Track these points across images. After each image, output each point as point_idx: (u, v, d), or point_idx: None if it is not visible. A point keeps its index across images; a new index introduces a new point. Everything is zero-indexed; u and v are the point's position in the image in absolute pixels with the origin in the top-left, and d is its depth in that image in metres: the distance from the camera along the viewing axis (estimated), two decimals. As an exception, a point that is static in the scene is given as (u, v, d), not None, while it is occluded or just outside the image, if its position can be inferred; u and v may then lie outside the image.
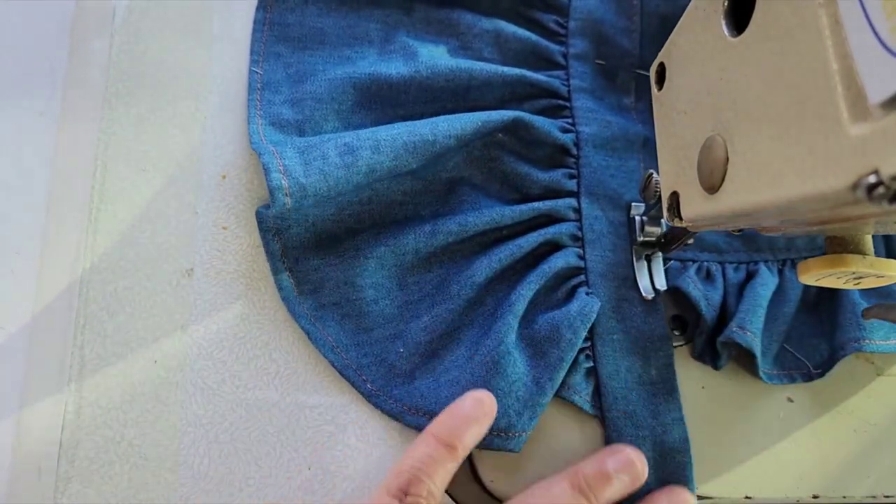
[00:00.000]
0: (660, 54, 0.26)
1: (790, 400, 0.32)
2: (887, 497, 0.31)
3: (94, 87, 0.32)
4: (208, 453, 0.28)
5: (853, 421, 0.32)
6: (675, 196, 0.25)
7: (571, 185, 0.33)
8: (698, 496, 0.30)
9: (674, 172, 0.25)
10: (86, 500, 0.27)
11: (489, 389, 0.28)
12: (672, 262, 0.32)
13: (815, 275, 0.24)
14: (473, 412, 0.26)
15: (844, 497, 0.31)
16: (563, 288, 0.31)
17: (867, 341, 0.30)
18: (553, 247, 0.32)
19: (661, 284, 0.32)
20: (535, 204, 0.32)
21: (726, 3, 0.21)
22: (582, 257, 0.32)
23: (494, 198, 0.33)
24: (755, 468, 0.31)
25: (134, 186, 0.31)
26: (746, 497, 0.30)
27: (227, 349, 0.29)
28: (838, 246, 0.23)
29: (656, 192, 0.29)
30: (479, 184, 0.33)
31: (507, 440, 0.28)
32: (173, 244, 0.30)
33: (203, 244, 0.31)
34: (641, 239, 0.32)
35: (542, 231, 0.31)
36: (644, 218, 0.32)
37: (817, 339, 0.32)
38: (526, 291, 0.30)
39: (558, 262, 0.31)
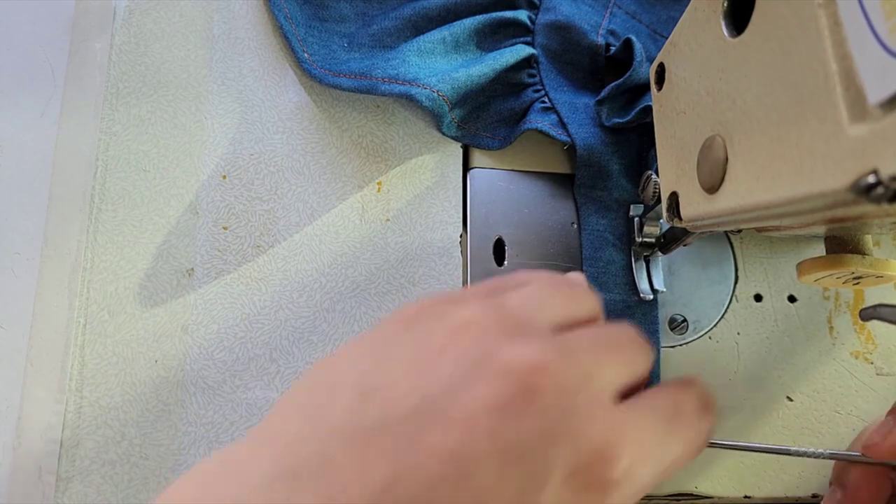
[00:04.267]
0: (659, 54, 0.26)
1: (789, 399, 0.32)
2: None
3: (94, 87, 0.32)
4: (208, 453, 0.28)
5: (852, 420, 0.32)
6: (674, 196, 0.25)
7: None
8: (698, 496, 0.30)
9: (673, 173, 0.25)
10: (86, 500, 0.27)
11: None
12: None
13: (815, 275, 0.24)
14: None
15: (843, 497, 0.31)
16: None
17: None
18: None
19: (660, 285, 0.32)
20: None
21: (726, 4, 0.21)
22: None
23: None
24: (754, 467, 0.31)
25: (134, 186, 0.31)
26: (746, 497, 0.30)
27: (227, 349, 0.29)
28: (837, 246, 0.23)
29: (655, 192, 0.29)
30: None
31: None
32: (173, 244, 0.30)
33: (203, 244, 0.31)
34: (640, 240, 0.32)
35: None
36: (643, 219, 0.32)
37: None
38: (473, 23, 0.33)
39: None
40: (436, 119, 0.33)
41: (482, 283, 0.22)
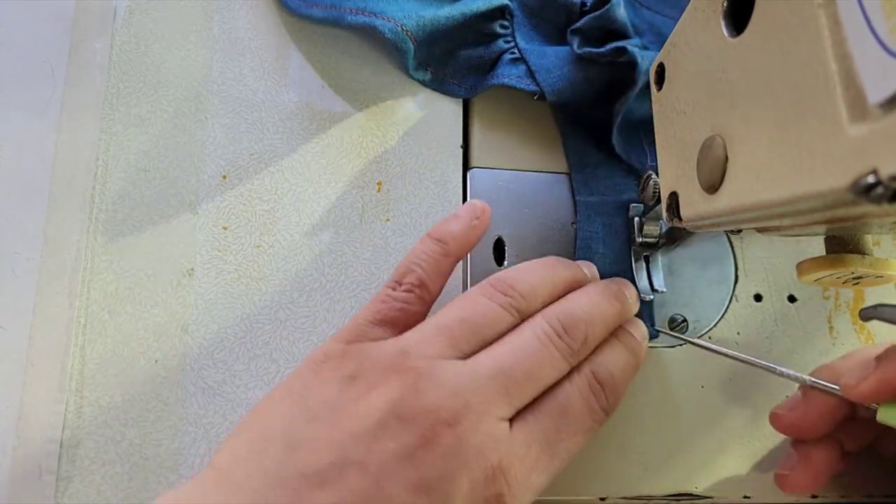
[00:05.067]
0: (659, 54, 0.26)
1: (789, 400, 0.32)
2: (886, 497, 0.31)
3: (94, 87, 0.32)
4: (208, 453, 0.28)
5: (852, 421, 0.32)
6: (674, 196, 0.25)
7: None
8: (698, 496, 0.30)
9: (673, 172, 0.25)
10: (86, 500, 0.27)
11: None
12: None
13: (815, 275, 0.24)
14: (464, 212, 0.28)
15: (843, 497, 0.31)
16: None
17: None
18: None
19: (660, 285, 0.32)
20: None
21: (725, 4, 0.21)
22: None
23: None
24: (754, 468, 0.31)
25: (134, 186, 0.31)
26: (745, 497, 0.30)
27: (227, 349, 0.29)
28: (837, 245, 0.23)
29: (655, 192, 0.29)
30: None
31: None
32: (174, 244, 0.30)
33: (203, 244, 0.31)
34: (640, 240, 0.32)
35: None
36: (643, 219, 0.32)
37: None
38: None
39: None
40: (400, 56, 0.33)
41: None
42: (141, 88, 0.32)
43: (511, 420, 0.24)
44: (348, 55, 0.35)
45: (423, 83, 0.34)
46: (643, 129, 0.34)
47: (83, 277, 0.29)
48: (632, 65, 0.30)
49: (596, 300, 0.27)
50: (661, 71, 0.26)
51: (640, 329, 0.28)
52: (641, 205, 0.32)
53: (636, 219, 0.32)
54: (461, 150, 0.34)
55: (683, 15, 0.24)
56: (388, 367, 0.24)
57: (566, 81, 0.33)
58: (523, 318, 0.26)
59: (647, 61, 0.31)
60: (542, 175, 0.34)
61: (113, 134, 0.31)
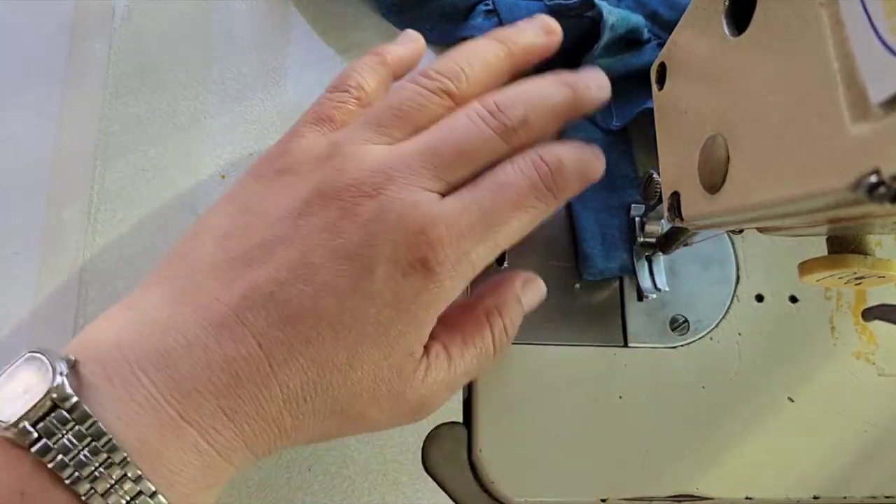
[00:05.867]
0: (660, 54, 0.26)
1: (791, 400, 0.32)
2: (888, 497, 0.31)
3: (93, 87, 0.32)
4: (208, 454, 0.28)
5: (854, 421, 0.32)
6: (675, 196, 0.24)
7: None
8: (699, 497, 0.30)
9: (674, 172, 0.25)
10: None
11: None
12: None
13: (817, 275, 0.24)
14: (401, 37, 0.29)
15: (845, 497, 0.31)
16: None
17: None
18: None
19: (663, 285, 0.32)
20: None
21: (727, 3, 0.21)
22: None
23: None
24: (755, 468, 0.31)
25: (134, 186, 0.31)
26: (747, 497, 0.30)
27: (227, 349, 0.29)
28: (839, 246, 0.23)
29: (656, 192, 0.29)
30: None
31: None
32: (172, 244, 0.30)
33: (203, 244, 0.30)
34: (642, 239, 0.32)
35: None
36: (644, 218, 0.32)
37: None
38: None
39: None
40: None
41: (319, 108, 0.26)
42: (140, 88, 0.32)
43: (444, 196, 0.23)
44: (348, 55, 0.34)
45: (394, 24, 0.34)
46: (611, 88, 0.34)
47: (81, 277, 0.29)
48: (598, 18, 0.31)
49: (541, 85, 0.25)
50: (661, 70, 0.26)
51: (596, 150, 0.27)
52: (643, 204, 0.32)
53: (637, 218, 0.32)
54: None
55: (685, 14, 0.24)
56: (318, 157, 0.24)
57: None
58: (458, 103, 0.25)
59: (613, 16, 0.31)
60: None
61: (112, 133, 0.31)
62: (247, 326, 0.21)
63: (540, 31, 0.28)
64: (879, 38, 0.14)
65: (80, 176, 0.31)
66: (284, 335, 0.21)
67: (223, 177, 0.32)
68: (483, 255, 0.23)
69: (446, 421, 0.30)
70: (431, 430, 0.30)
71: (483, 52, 0.26)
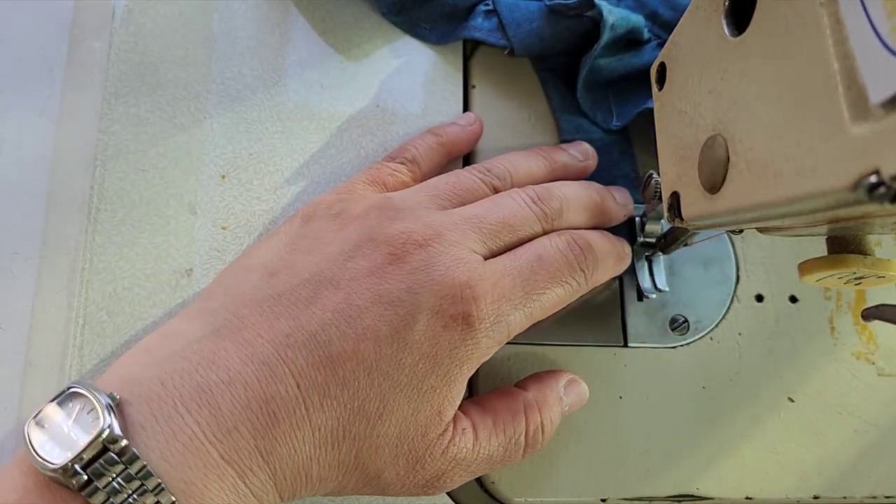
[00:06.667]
0: (660, 54, 0.26)
1: (791, 400, 0.32)
2: (888, 497, 0.31)
3: (93, 87, 0.32)
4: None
5: (854, 421, 0.32)
6: (675, 196, 0.24)
7: None
8: (700, 497, 0.30)
9: (674, 172, 0.25)
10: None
11: None
12: None
13: (817, 275, 0.24)
14: (459, 119, 0.32)
15: (845, 497, 0.31)
16: None
17: None
18: None
19: (663, 285, 0.32)
20: None
21: (727, 3, 0.21)
22: None
23: None
24: (755, 468, 0.31)
25: (133, 186, 0.31)
26: (747, 497, 0.30)
27: (227, 349, 0.29)
28: (839, 246, 0.23)
29: (656, 192, 0.29)
30: None
31: None
32: (173, 244, 0.30)
33: (203, 244, 0.30)
34: (642, 239, 0.32)
35: None
36: (644, 218, 0.32)
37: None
38: None
39: None
40: None
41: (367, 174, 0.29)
42: (140, 88, 0.32)
43: (486, 259, 0.25)
44: (348, 55, 0.34)
45: (395, 24, 0.35)
46: (611, 88, 0.34)
47: (82, 277, 0.29)
48: (598, 18, 0.31)
49: (575, 186, 0.28)
50: (661, 70, 0.26)
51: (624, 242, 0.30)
52: (642, 204, 0.32)
53: (637, 218, 0.32)
54: (461, 150, 0.34)
55: (685, 14, 0.24)
56: (371, 206, 0.25)
57: (535, 36, 0.33)
58: None
59: (613, 16, 0.31)
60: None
61: (112, 133, 0.31)
62: (287, 365, 0.21)
63: (578, 156, 0.31)
64: (879, 38, 0.14)
65: (80, 176, 0.31)
66: (323, 377, 0.21)
67: (223, 177, 0.32)
68: (518, 322, 0.24)
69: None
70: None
71: (529, 163, 0.29)
